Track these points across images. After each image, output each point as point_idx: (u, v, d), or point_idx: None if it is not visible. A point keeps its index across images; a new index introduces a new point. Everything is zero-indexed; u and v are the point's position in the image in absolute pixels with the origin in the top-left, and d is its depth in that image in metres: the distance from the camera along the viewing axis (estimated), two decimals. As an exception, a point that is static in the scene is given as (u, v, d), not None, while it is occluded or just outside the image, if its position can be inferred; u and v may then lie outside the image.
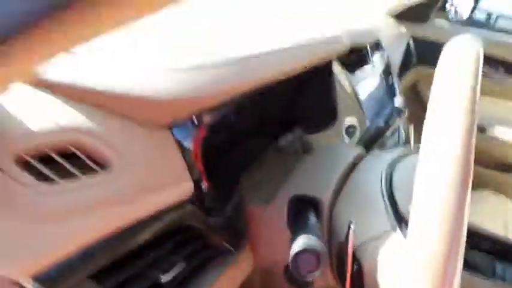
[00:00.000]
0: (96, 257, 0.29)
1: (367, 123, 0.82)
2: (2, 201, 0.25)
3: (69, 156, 0.30)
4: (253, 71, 0.40)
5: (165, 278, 0.34)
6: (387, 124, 0.89)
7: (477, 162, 1.07)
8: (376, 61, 0.96)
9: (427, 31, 1.29)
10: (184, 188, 0.35)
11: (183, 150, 0.36)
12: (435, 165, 0.28)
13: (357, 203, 0.43)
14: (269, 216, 0.43)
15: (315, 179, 0.45)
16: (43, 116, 0.30)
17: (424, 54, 1.29)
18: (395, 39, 1.18)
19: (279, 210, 0.42)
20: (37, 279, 0.26)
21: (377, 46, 0.98)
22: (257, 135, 0.54)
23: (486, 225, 0.97)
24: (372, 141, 0.82)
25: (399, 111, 0.95)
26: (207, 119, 0.40)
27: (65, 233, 0.27)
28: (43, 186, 0.28)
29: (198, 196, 0.38)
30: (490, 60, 1.23)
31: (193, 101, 0.35)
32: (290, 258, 0.36)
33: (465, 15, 1.30)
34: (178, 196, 0.34)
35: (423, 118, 0.81)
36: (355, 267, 0.39)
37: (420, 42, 1.29)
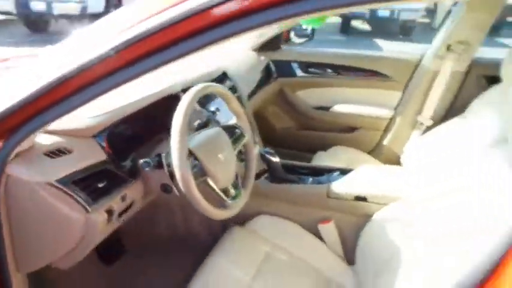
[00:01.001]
0: None
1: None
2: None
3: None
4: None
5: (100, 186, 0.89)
6: None
7: (328, 129, 1.89)
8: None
9: (282, 55, 1.96)
10: (101, 157, 0.91)
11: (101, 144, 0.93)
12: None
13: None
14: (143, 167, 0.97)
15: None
16: None
17: (282, 70, 1.96)
18: (257, 64, 1.83)
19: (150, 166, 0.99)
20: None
21: (225, 78, 1.58)
22: (141, 132, 1.11)
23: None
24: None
25: None
26: (111, 126, 0.96)
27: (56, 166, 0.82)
28: (49, 159, 0.84)
29: (112, 158, 0.94)
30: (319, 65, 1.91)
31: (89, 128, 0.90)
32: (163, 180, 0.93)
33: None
34: (100, 160, 0.90)
35: (289, 113, 1.73)
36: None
37: (278, 62, 1.95)
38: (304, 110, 1.96)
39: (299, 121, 2.02)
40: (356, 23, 8.81)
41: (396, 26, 7.71)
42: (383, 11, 7.34)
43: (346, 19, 7.97)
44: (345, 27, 8.11)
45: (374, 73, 1.83)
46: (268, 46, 1.92)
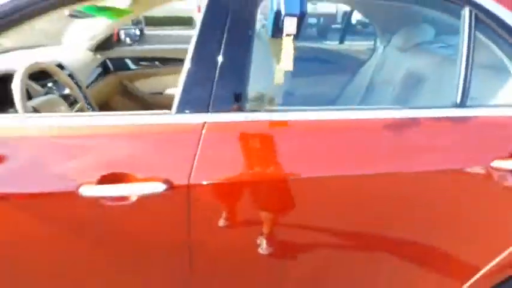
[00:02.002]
0: None
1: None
2: None
3: None
4: None
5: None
6: None
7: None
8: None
9: (116, 53, 2.41)
10: None
11: None
12: None
13: None
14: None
15: None
16: None
17: (118, 66, 2.41)
18: (92, 60, 2.24)
19: None
20: None
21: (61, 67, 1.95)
22: None
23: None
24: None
25: None
26: None
27: None
28: None
29: None
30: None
31: None
32: None
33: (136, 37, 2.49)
34: None
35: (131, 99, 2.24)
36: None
37: (113, 59, 2.40)
38: (142, 96, 2.45)
39: (140, 106, 2.49)
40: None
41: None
42: (311, 18, 8.25)
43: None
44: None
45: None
46: (103, 47, 2.35)
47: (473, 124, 1.01)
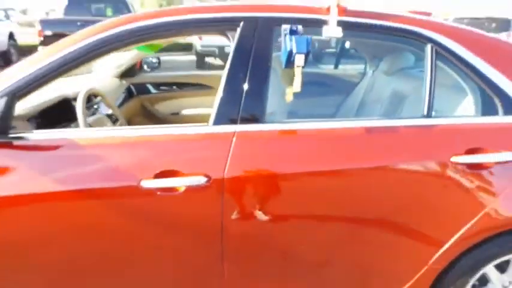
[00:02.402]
0: None
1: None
2: None
3: None
4: None
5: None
6: None
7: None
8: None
9: (139, 79, 2.75)
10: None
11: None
12: None
13: None
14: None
15: None
16: None
17: (140, 90, 2.75)
18: (119, 86, 2.57)
19: None
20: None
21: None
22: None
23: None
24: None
25: None
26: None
27: None
28: None
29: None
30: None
31: None
32: None
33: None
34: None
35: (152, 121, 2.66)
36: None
37: (136, 85, 2.74)
38: (162, 117, 2.77)
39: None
40: (210, 59, 10.15)
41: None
42: (229, 48, 8.81)
43: (200, 56, 9.20)
44: (200, 63, 9.32)
45: (203, 86, 2.78)
46: (127, 74, 2.70)
47: (436, 130, 1.33)
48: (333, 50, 4.34)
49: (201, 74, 2.85)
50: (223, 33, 1.43)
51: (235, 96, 1.29)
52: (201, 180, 1.22)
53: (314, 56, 3.64)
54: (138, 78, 2.75)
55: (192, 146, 1.29)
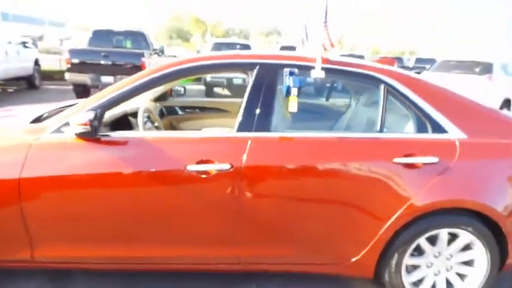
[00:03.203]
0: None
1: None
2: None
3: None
4: None
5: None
6: None
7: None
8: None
9: (169, 102, 3.46)
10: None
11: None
12: None
13: None
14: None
15: None
16: None
17: (169, 112, 3.45)
18: (155, 108, 3.28)
19: None
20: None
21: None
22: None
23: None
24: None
25: None
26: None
27: None
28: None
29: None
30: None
31: None
32: None
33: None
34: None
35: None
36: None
37: (167, 107, 3.44)
38: (185, 134, 3.46)
39: None
40: (217, 89, 11.00)
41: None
42: (237, 79, 9.68)
43: (209, 86, 10.04)
44: (209, 92, 10.14)
45: (219, 110, 3.48)
46: (161, 98, 3.41)
47: (385, 140, 2.00)
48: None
49: (218, 101, 3.57)
50: (244, 72, 2.14)
51: (251, 113, 1.98)
52: (226, 166, 1.89)
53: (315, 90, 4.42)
54: (169, 102, 3.46)
55: (222, 144, 1.96)
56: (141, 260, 2.03)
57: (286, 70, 2.00)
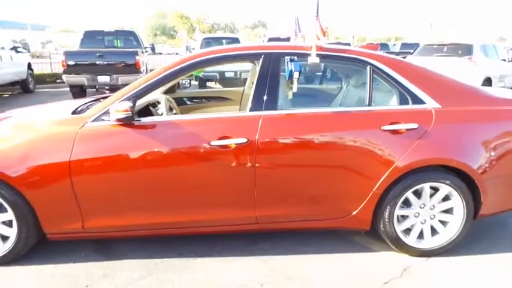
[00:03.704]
0: None
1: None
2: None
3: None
4: None
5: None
6: None
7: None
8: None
9: (177, 94, 3.83)
10: None
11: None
12: None
13: None
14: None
15: None
16: None
17: (178, 102, 3.82)
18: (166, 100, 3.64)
19: None
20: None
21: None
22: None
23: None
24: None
25: None
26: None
27: None
28: None
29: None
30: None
31: None
32: None
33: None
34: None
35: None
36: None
37: (176, 99, 3.81)
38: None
39: None
40: (210, 84, 11.35)
41: (240, 81, 10.47)
42: (229, 73, 10.04)
43: (202, 81, 10.38)
44: (202, 86, 10.48)
45: (225, 99, 3.87)
46: (170, 90, 3.77)
47: (374, 112, 2.42)
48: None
49: (221, 90, 3.95)
50: (252, 61, 2.54)
51: (261, 96, 2.38)
52: (243, 140, 2.28)
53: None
54: (177, 94, 3.83)
55: (239, 122, 2.36)
56: (177, 225, 2.43)
57: (287, 57, 2.40)
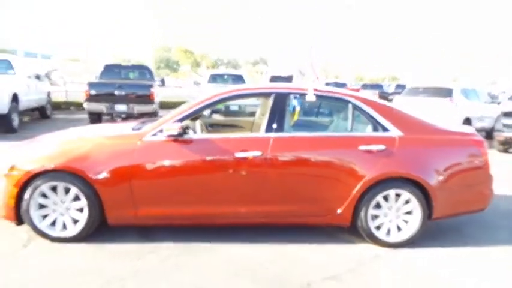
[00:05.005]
0: None
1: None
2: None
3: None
4: None
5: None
6: None
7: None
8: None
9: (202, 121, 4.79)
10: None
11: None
12: None
13: None
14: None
15: None
16: None
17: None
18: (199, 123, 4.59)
19: None
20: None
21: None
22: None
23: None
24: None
25: None
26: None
27: None
28: None
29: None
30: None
31: None
32: None
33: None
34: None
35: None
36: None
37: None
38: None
39: None
40: (215, 116, 12.40)
41: (242, 113, 11.50)
42: (234, 106, 11.12)
43: (210, 112, 11.39)
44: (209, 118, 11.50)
45: (237, 126, 4.82)
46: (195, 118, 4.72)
47: (353, 137, 3.38)
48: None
49: (233, 120, 4.94)
50: (265, 98, 3.53)
51: (272, 122, 3.34)
52: (259, 153, 3.22)
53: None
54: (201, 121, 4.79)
55: (256, 140, 3.31)
56: (207, 216, 3.33)
57: (292, 96, 3.39)
